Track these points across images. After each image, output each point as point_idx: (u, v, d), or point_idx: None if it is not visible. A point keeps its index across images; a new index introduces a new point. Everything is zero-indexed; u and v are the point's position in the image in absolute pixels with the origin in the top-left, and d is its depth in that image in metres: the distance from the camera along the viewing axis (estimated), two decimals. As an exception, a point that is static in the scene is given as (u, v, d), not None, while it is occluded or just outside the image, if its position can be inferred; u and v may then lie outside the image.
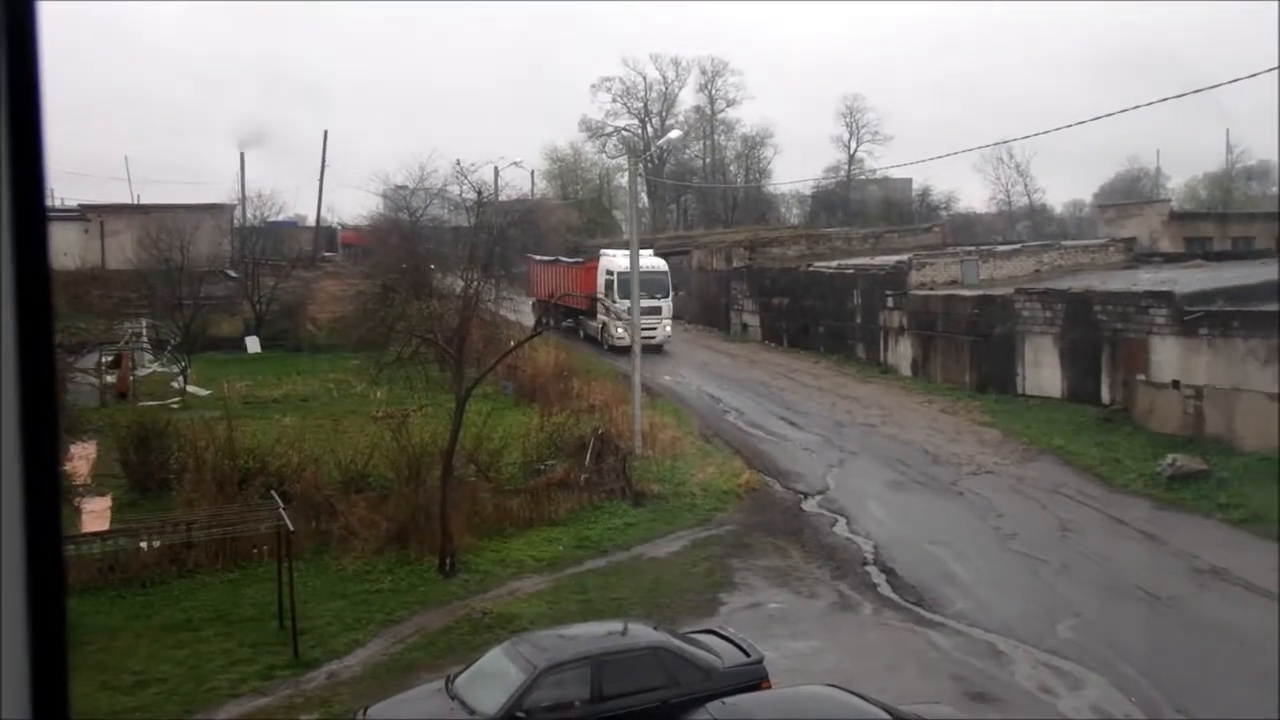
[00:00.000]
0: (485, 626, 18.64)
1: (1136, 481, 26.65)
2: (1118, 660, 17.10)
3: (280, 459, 24.86)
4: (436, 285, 41.50)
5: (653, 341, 44.49)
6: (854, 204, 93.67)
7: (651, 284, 44.40)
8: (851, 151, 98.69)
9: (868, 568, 21.89)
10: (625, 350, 41.28)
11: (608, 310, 46.17)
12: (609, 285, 46.99)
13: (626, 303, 41.65)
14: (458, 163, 47.45)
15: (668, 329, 47.58)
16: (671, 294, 48.19)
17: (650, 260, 46.35)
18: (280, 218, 66.40)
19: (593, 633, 15.32)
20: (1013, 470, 28.67)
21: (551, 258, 56.18)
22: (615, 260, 46.76)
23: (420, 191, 51.77)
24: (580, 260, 52.57)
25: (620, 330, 44.26)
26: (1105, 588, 20.27)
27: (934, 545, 23.08)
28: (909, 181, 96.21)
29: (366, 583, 20.94)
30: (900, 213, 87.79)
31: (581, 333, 51.17)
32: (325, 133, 75.32)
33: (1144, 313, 31.52)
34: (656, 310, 46.16)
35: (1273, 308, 29.04)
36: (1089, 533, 23.50)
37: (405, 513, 22.62)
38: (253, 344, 49.06)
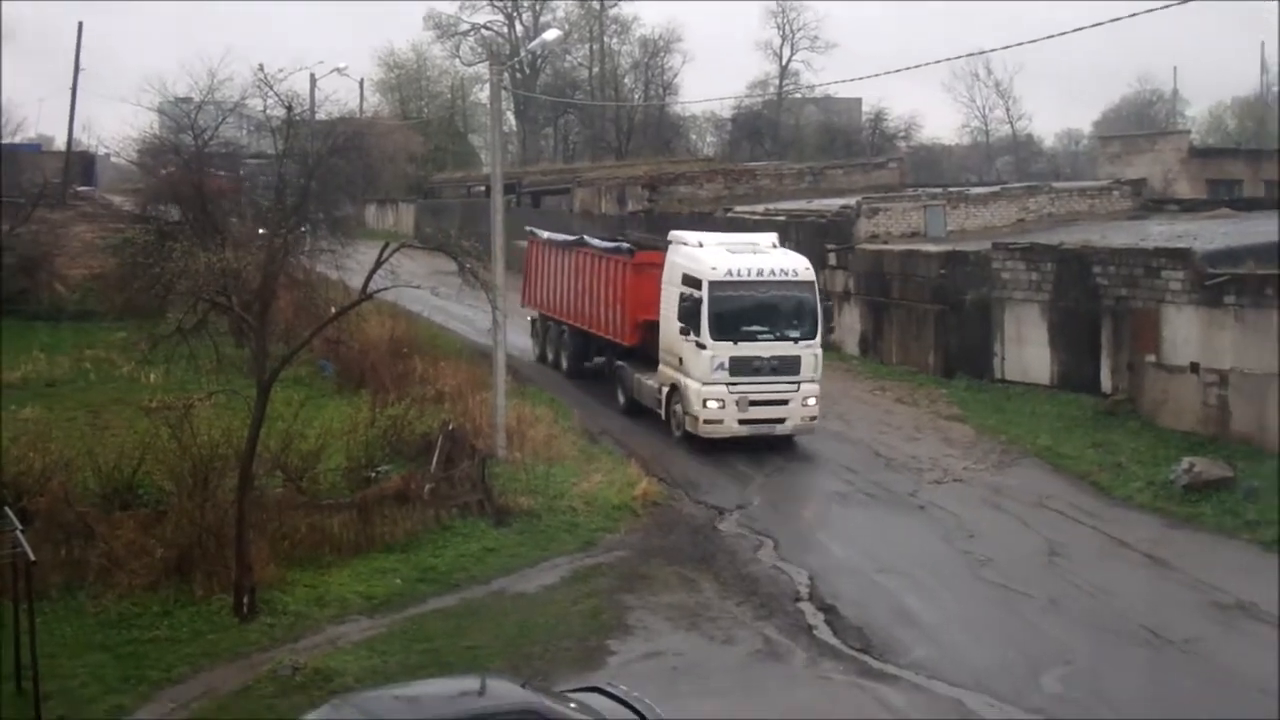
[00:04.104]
0: (297, 686, 18.41)
1: (1143, 492, 27.40)
2: (1118, 721, 17.60)
3: (17, 465, 24.23)
4: (232, 231, 40.82)
5: (779, 430, 31.42)
6: (786, 130, 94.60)
7: (778, 305, 31.44)
8: (784, 62, 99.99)
9: (801, 604, 22.14)
10: (723, 445, 31.06)
11: (680, 361, 31.79)
12: (693, 308, 31.12)
13: (727, 347, 30.58)
14: (260, 68, 46.20)
15: (812, 403, 31.39)
16: (822, 325, 32.13)
17: (777, 256, 32.51)
18: (18, 139, 64.64)
19: (440, 692, 15.26)
20: (988, 478, 29.24)
21: (572, 236, 41.97)
22: (704, 257, 31.90)
23: (210, 106, 50.70)
24: (624, 248, 37.10)
25: (713, 403, 30.72)
26: (1103, 628, 20.80)
27: (886, 575, 23.43)
28: (858, 102, 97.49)
29: (136, 629, 20.56)
30: (846, 143, 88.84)
31: (621, 393, 35.86)
32: (80, 25, 73.67)
33: (1155, 276, 32.33)
34: (792, 363, 31.12)
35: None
36: (1083, 558, 24.09)
37: (188, 536, 22.25)
38: (-22, 309, 47.76)
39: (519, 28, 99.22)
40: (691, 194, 59.24)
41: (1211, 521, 25.57)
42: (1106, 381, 33.68)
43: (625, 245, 37.24)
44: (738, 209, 52.67)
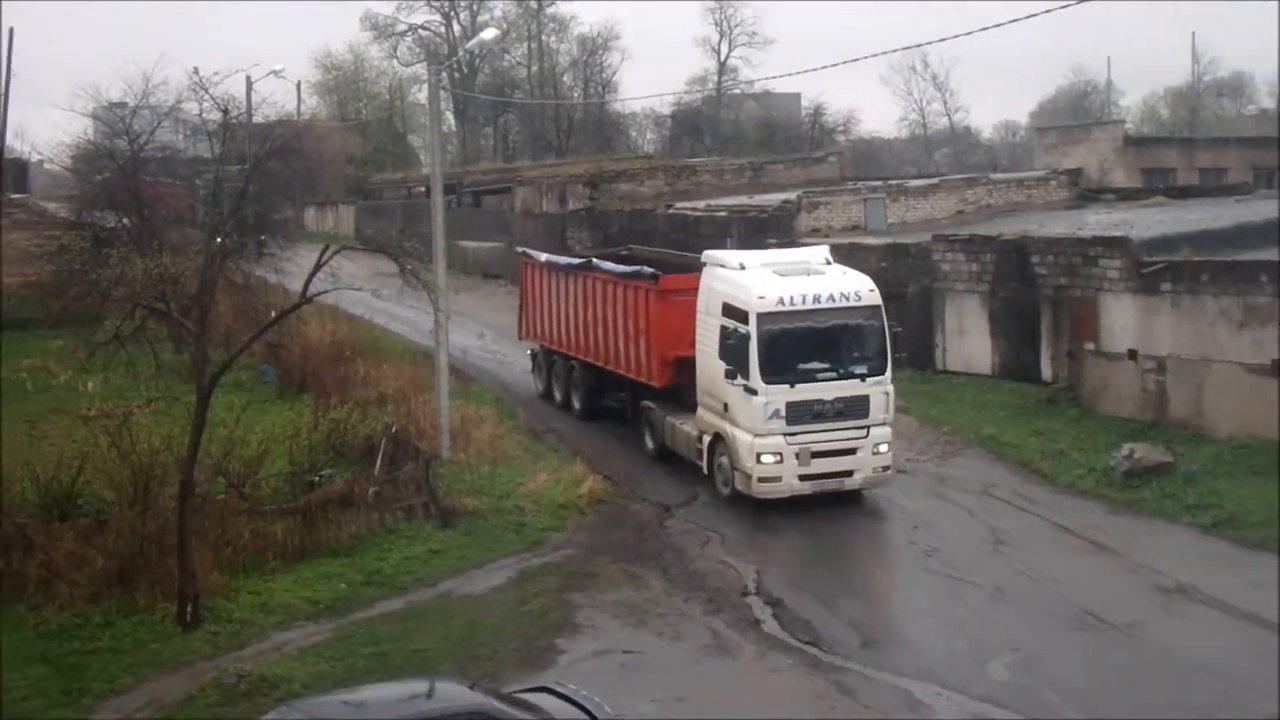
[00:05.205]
0: (243, 693, 18.33)
1: (1085, 479, 27.64)
2: (1065, 706, 17.73)
3: (-47, 477, 23.96)
4: (169, 236, 40.49)
5: (848, 484, 26.76)
6: (726, 126, 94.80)
7: (840, 337, 26.80)
8: (722, 58, 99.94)
9: (749, 599, 22.23)
10: (781, 505, 26.45)
11: (725, 407, 27.05)
12: (739, 345, 26.44)
13: (783, 390, 26.02)
14: (195, 71, 45.88)
15: (884, 450, 26.89)
16: (890, 357, 27.19)
17: (835, 277, 27.53)
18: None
19: (388, 696, 15.19)
20: (931, 468, 29.40)
21: (578, 259, 37.30)
22: (748, 283, 26.88)
23: (145, 110, 50.25)
24: (646, 272, 31.55)
25: (769, 457, 26.10)
26: (1048, 614, 20.98)
27: (833, 567, 23.53)
28: (797, 97, 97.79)
29: (78, 640, 20.36)
30: (786, 138, 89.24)
31: (650, 439, 31.11)
32: (10, 30, 72.81)
33: (1093, 264, 32.61)
34: (859, 405, 26.52)
35: (1251, 257, 30.40)
36: (1027, 545, 24.31)
37: (130, 545, 22.05)
38: (-89, 320, 47.13)
39: (456, 27, 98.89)
40: (633, 191, 59.24)
41: (1152, 506, 25.83)
42: (1047, 370, 33.94)
43: (647, 269, 31.64)
44: (679, 205, 52.69)
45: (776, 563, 23.86)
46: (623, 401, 33.09)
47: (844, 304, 26.55)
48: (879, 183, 52.60)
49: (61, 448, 26.16)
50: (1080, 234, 34.91)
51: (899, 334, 28.53)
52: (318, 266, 22.44)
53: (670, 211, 51.76)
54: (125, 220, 42.91)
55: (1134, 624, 20.36)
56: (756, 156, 70.20)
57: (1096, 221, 38.98)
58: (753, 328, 26.00)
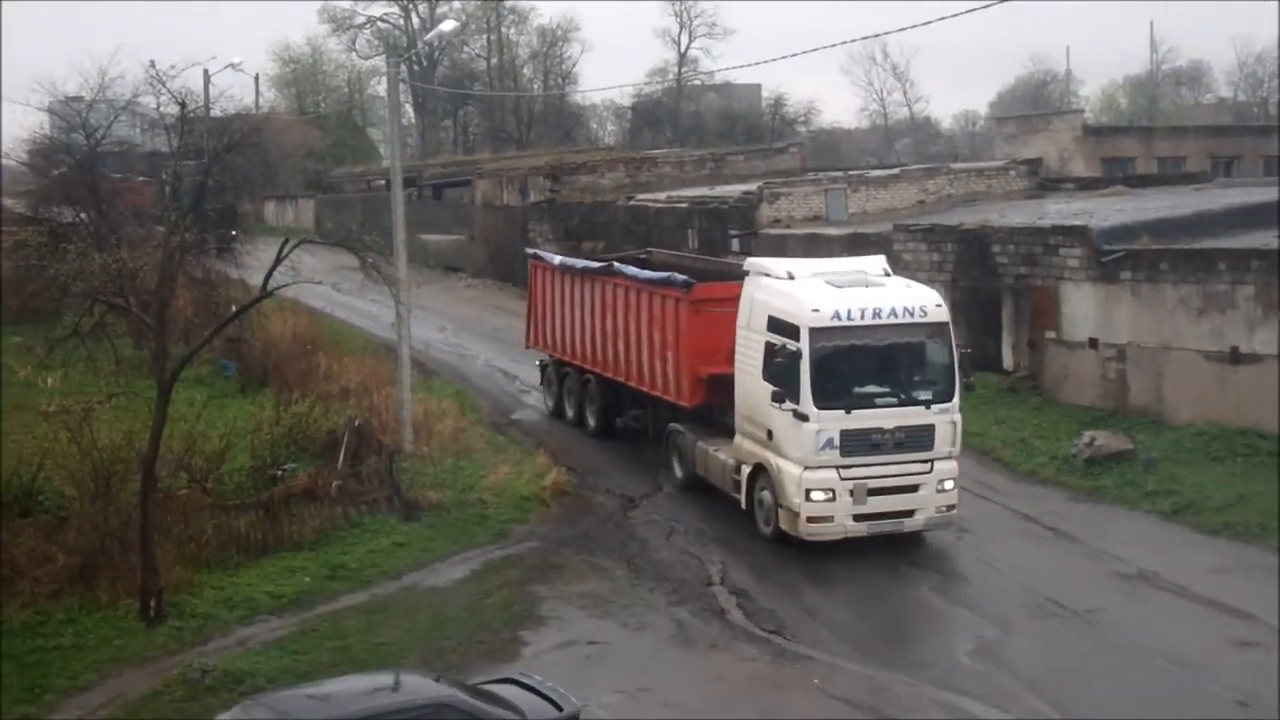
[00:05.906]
0: (207, 688, 18.31)
1: (1046, 467, 27.87)
2: (1028, 694, 17.89)
3: (-88, 475, 23.87)
4: (128, 231, 40.32)
5: (908, 525, 23.66)
6: (686, 118, 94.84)
7: (902, 357, 23.96)
8: (682, 50, 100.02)
9: (714, 589, 22.33)
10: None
11: (769, 435, 24.06)
12: (787, 364, 23.28)
13: (837, 417, 23.00)
14: (152, 65, 45.61)
15: (949, 488, 23.72)
16: (960, 380, 24.52)
17: (896, 290, 24.64)
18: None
19: (354, 689, 15.27)
20: (894, 458, 29.55)
21: (597, 261, 33.63)
22: (800, 294, 23.91)
23: (102, 104, 49.97)
24: (677, 279, 28.46)
25: (819, 493, 23.02)
26: (1010, 602, 21.15)
27: (797, 557, 23.58)
28: (757, 88, 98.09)
29: (40, 637, 20.33)
30: (747, 129, 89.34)
31: (679, 466, 27.98)
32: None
33: (1053, 253, 32.82)
34: (923, 435, 23.49)
35: (1209, 244, 30.70)
36: (989, 533, 24.52)
37: (92, 541, 22.05)
38: None
39: (415, 20, 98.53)
40: (593, 183, 59.23)
41: (1113, 493, 26.06)
42: (1008, 359, 34.12)
43: (678, 276, 28.46)
44: (640, 197, 52.77)
45: (741, 553, 23.93)
46: (642, 420, 30.43)
47: (907, 320, 23.64)
48: (840, 173, 52.78)
49: (21, 444, 26.05)
50: (1040, 223, 35.11)
51: (969, 356, 25.99)
52: (278, 261, 22.42)
53: (631, 203, 51.84)
54: (83, 215, 42.70)
55: (1095, 610, 20.56)
56: (717, 148, 70.28)
57: (1056, 211, 39.18)
58: (804, 344, 23.03)
